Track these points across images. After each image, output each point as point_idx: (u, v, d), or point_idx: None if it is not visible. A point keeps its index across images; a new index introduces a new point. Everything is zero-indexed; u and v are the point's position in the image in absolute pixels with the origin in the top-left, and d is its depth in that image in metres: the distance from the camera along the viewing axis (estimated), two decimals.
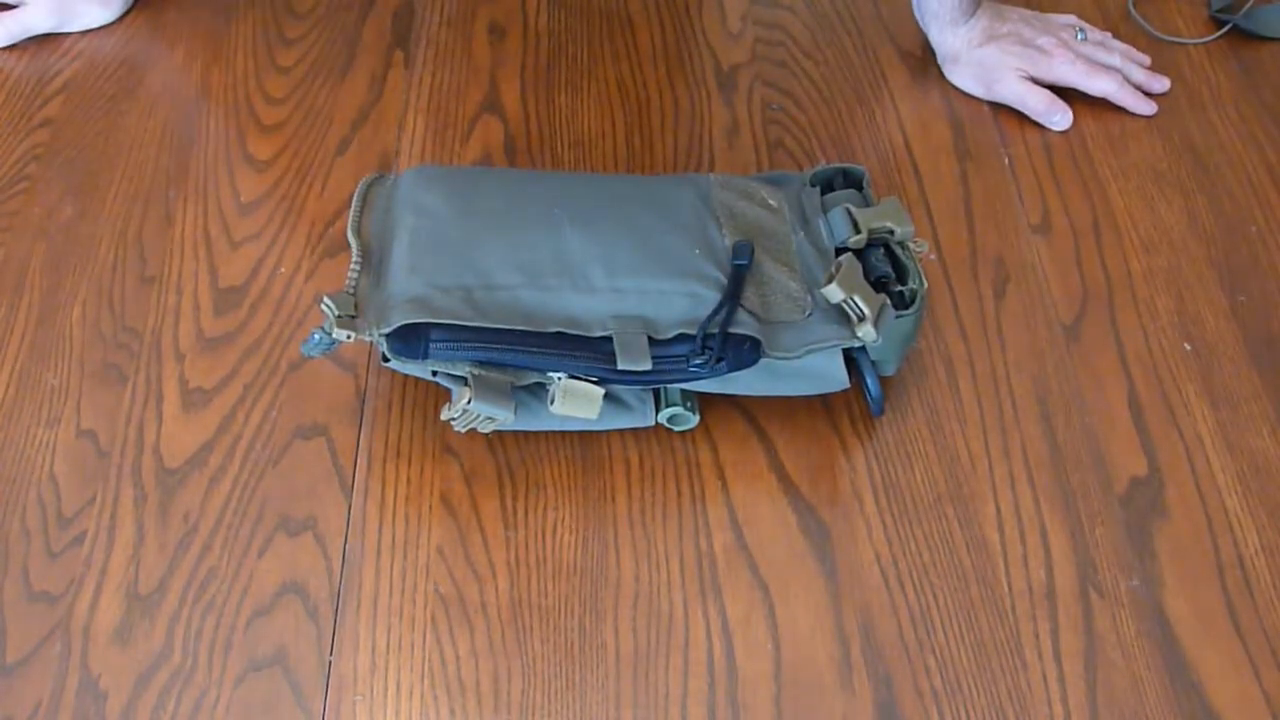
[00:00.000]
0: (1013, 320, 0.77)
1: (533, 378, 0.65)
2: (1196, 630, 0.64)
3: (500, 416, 0.64)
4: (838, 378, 0.69)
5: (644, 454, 0.70)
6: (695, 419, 0.70)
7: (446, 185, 0.71)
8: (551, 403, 0.65)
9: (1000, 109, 0.89)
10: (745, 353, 0.66)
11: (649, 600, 0.65)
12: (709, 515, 0.68)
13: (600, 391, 0.65)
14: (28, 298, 0.76)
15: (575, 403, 0.65)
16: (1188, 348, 0.75)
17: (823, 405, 0.72)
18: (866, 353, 0.69)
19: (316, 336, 0.66)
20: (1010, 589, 0.66)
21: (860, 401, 0.72)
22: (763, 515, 0.68)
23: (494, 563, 0.66)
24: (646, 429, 0.70)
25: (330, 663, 0.62)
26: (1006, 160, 0.85)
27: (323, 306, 0.65)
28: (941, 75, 0.91)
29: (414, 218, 0.69)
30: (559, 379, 0.65)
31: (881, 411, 0.71)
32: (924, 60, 0.93)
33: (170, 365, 0.73)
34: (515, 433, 0.70)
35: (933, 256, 0.79)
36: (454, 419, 0.65)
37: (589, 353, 0.65)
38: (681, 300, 0.66)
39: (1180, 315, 0.77)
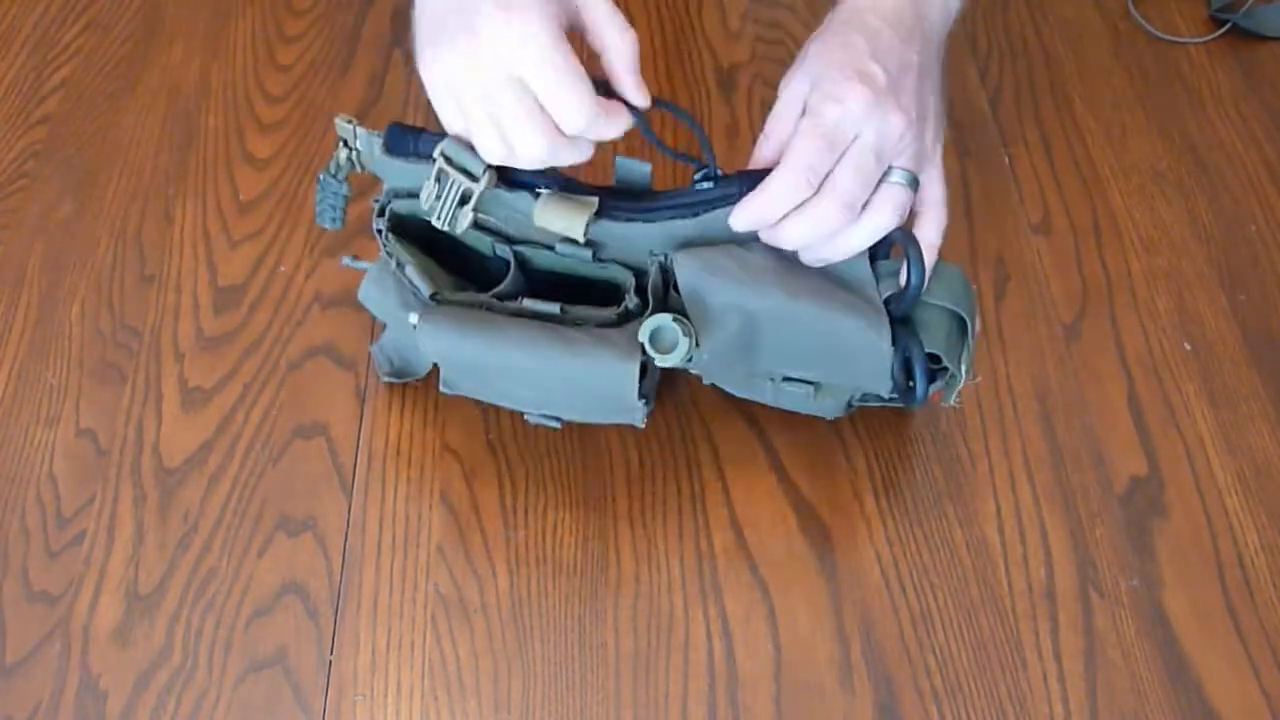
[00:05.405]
0: (1013, 320, 0.77)
1: (515, 219, 0.62)
2: (1196, 630, 0.65)
3: (475, 173, 0.59)
4: (878, 324, 0.59)
5: (644, 454, 0.70)
6: (687, 343, 0.59)
7: None
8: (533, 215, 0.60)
9: (1000, 108, 0.89)
10: (757, 176, 0.58)
11: (649, 600, 0.65)
12: (709, 515, 0.68)
13: (594, 201, 0.60)
14: (26, 296, 0.76)
15: (561, 213, 0.59)
16: (1188, 347, 0.75)
17: None
18: (920, 342, 0.60)
19: (323, 183, 0.65)
20: (1010, 589, 0.66)
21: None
22: (763, 515, 0.68)
23: (494, 562, 0.66)
24: (645, 429, 0.70)
25: (330, 662, 0.62)
26: (1006, 160, 0.85)
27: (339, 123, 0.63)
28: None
29: None
30: (546, 191, 0.60)
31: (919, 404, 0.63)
32: None
33: (170, 364, 0.73)
34: (514, 432, 0.70)
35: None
36: (428, 199, 0.61)
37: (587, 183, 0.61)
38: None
39: (1180, 315, 0.77)
